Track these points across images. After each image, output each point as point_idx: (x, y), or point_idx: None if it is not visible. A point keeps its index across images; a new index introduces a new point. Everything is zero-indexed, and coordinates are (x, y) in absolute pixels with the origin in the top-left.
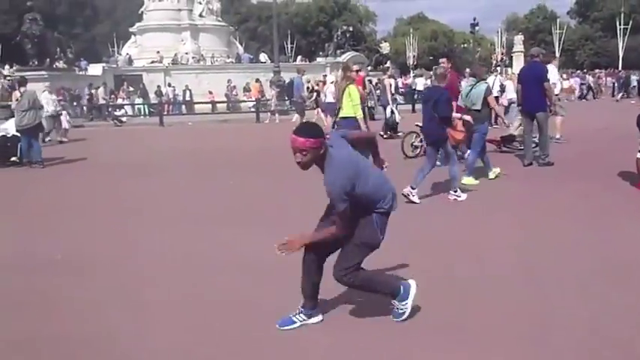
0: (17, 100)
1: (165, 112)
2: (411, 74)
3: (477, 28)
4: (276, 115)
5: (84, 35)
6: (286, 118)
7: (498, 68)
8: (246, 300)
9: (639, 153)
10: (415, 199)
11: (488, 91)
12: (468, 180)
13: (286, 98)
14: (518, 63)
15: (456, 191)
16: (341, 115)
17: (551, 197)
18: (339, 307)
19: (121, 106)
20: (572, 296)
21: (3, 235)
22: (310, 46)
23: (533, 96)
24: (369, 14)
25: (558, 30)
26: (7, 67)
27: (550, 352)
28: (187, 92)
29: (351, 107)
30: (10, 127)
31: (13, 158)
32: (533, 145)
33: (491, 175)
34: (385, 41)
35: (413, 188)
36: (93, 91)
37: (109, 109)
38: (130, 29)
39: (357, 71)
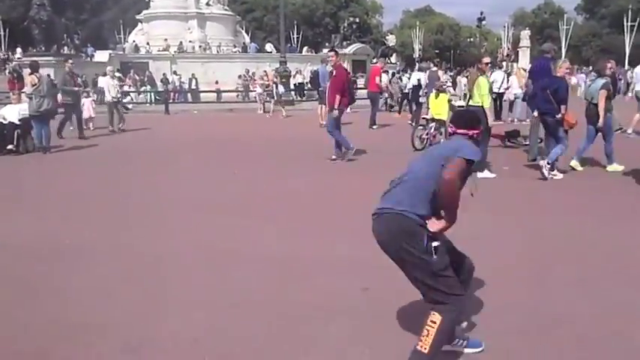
0: (34, 85)
1: (171, 100)
2: (416, 67)
3: (483, 22)
4: (283, 106)
5: (91, 21)
6: (291, 109)
7: (504, 63)
8: (261, 289)
9: None
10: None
11: (605, 86)
12: (613, 167)
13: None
14: (525, 58)
15: (552, 169)
16: (470, 103)
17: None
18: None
19: (127, 94)
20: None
21: (17, 221)
22: (316, 37)
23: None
24: (376, 6)
25: (565, 26)
26: (19, 49)
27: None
28: (193, 81)
29: (479, 97)
30: (6, 114)
31: (10, 146)
32: (539, 140)
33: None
34: (391, 33)
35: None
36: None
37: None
38: (137, 16)
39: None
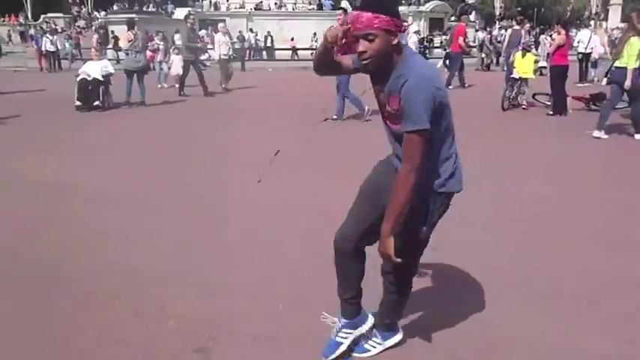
0: (130, 40)
1: (247, 58)
2: (497, 26)
3: None
4: None
5: None
6: None
7: (592, 22)
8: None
9: None
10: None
11: None
12: None
13: None
14: (616, 16)
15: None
16: (616, 64)
17: None
18: None
19: (205, 50)
20: None
21: (106, 172)
22: None
23: None
24: None
25: None
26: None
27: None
28: (269, 38)
29: (627, 57)
30: (90, 71)
31: (97, 102)
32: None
33: None
34: None
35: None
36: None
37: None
38: None
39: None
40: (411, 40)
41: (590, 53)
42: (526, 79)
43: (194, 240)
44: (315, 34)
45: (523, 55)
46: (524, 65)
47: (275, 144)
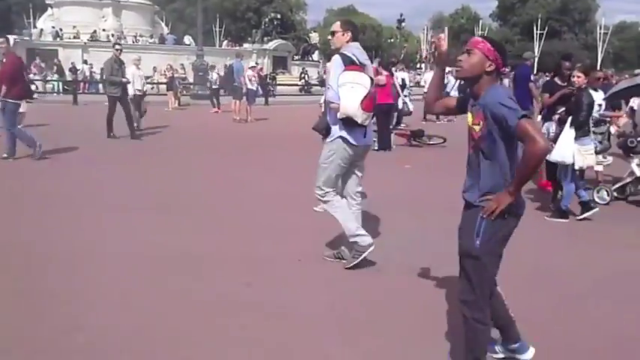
0: None
1: (81, 91)
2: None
3: (403, 24)
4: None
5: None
6: (203, 103)
7: (423, 65)
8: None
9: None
10: None
11: None
12: None
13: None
14: None
15: None
16: None
17: None
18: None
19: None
20: None
21: None
22: (240, 31)
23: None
24: (300, 3)
25: (480, 31)
26: None
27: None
28: None
29: None
30: None
31: None
32: None
33: None
34: (315, 31)
35: None
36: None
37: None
38: (48, 1)
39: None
40: (247, 74)
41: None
42: None
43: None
44: (154, 68)
45: None
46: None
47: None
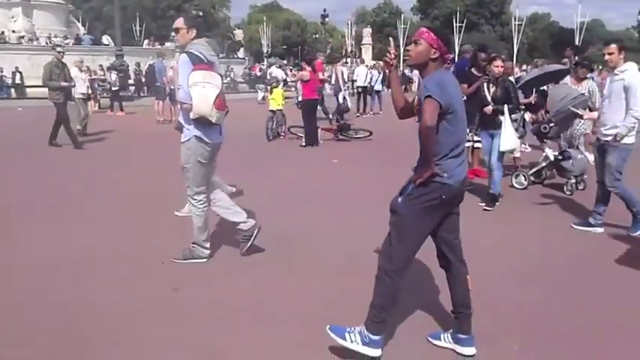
0: None
1: None
2: (265, 62)
3: (327, 19)
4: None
5: None
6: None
7: (348, 59)
8: None
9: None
10: None
11: None
12: None
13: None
14: (367, 54)
15: None
16: None
17: None
18: None
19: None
20: None
21: None
22: (162, 29)
23: None
24: (223, 0)
25: (402, 25)
26: None
27: None
28: (17, 75)
29: None
30: None
31: None
32: None
33: None
34: (239, 28)
35: None
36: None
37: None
38: None
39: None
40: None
41: (366, 87)
42: (281, 110)
43: None
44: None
45: (271, 92)
46: (276, 99)
47: None
